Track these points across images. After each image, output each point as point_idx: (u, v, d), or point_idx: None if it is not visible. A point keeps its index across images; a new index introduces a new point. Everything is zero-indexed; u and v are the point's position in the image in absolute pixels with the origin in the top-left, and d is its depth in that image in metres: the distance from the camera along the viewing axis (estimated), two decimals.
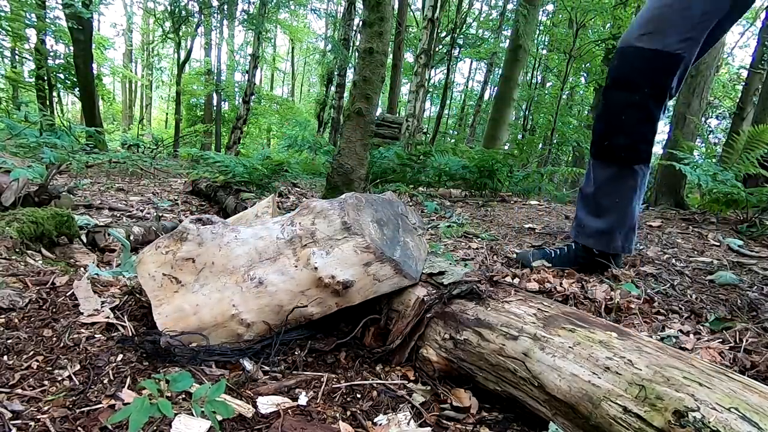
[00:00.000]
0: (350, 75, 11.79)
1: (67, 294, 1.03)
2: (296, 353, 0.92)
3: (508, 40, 11.12)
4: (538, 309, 0.83)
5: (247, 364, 0.85)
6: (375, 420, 0.73)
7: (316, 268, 0.84)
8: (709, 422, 0.52)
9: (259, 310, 0.85)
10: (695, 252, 2.02)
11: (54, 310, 0.96)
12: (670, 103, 1.46)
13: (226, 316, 0.84)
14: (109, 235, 1.83)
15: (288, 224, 0.90)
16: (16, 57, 11.71)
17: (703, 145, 5.25)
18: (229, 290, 0.85)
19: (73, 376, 0.75)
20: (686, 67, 1.33)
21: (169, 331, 0.83)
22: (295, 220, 0.90)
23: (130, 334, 0.92)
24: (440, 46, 11.57)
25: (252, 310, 0.85)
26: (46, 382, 0.73)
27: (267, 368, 0.86)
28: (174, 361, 0.82)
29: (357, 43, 10.28)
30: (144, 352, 0.82)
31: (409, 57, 14.29)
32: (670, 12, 1.25)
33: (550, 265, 1.65)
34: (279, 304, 0.86)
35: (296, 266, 0.85)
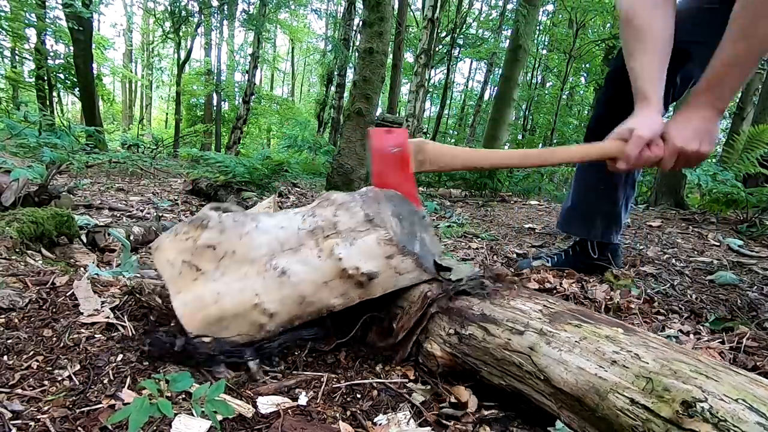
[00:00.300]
0: (350, 75, 11.79)
1: (67, 294, 1.03)
2: (296, 353, 0.92)
3: (508, 40, 11.11)
4: (544, 305, 0.83)
5: (251, 363, 0.84)
6: (375, 420, 0.73)
7: (340, 259, 0.83)
8: (717, 412, 0.52)
9: (282, 300, 0.84)
10: (695, 252, 2.02)
11: (54, 310, 0.96)
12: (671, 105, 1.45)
13: (247, 305, 0.83)
14: (109, 235, 1.83)
15: (309, 215, 0.89)
16: (16, 57, 11.72)
17: None
18: (251, 279, 0.83)
19: (73, 376, 0.75)
20: (691, 67, 1.32)
21: (192, 331, 0.81)
22: (316, 212, 0.89)
23: (131, 334, 0.92)
24: (440, 46, 11.57)
25: (274, 300, 0.84)
26: (46, 382, 0.73)
27: (267, 368, 0.86)
28: (189, 364, 0.80)
29: (357, 43, 10.27)
30: (157, 353, 0.80)
31: (409, 57, 14.30)
32: (685, 11, 1.25)
33: (549, 265, 1.65)
34: (302, 294, 0.85)
35: (319, 257, 0.85)
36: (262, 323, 0.84)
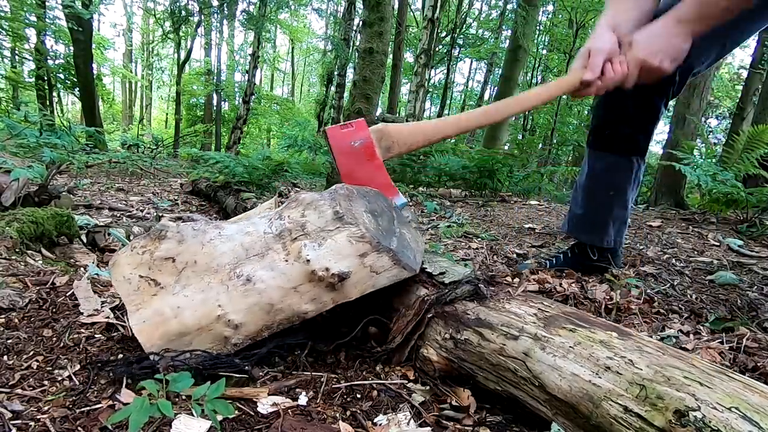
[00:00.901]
0: (350, 75, 11.79)
1: (67, 294, 1.03)
2: (296, 353, 0.92)
3: (508, 40, 11.12)
4: (539, 309, 0.83)
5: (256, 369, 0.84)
6: (375, 420, 0.73)
7: (308, 261, 0.79)
8: (710, 422, 0.52)
9: (248, 309, 0.80)
10: (695, 252, 2.02)
11: (54, 310, 0.96)
12: (671, 102, 1.45)
13: (211, 317, 0.78)
14: (109, 234, 1.83)
15: (276, 218, 0.85)
16: (16, 57, 11.71)
17: (703, 145, 5.25)
18: (213, 290, 0.79)
19: (73, 376, 0.75)
20: (690, 62, 1.32)
21: (164, 352, 0.77)
22: (284, 214, 0.85)
23: (131, 334, 0.92)
24: (440, 46, 11.57)
25: (240, 310, 0.79)
26: (46, 382, 0.73)
27: (267, 368, 0.86)
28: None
29: (357, 43, 10.26)
30: (122, 376, 0.76)
31: (409, 57, 14.29)
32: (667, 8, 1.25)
33: (547, 267, 1.64)
34: (269, 302, 0.80)
35: (287, 260, 0.80)
36: (227, 336, 0.80)
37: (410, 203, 3.74)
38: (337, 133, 1.06)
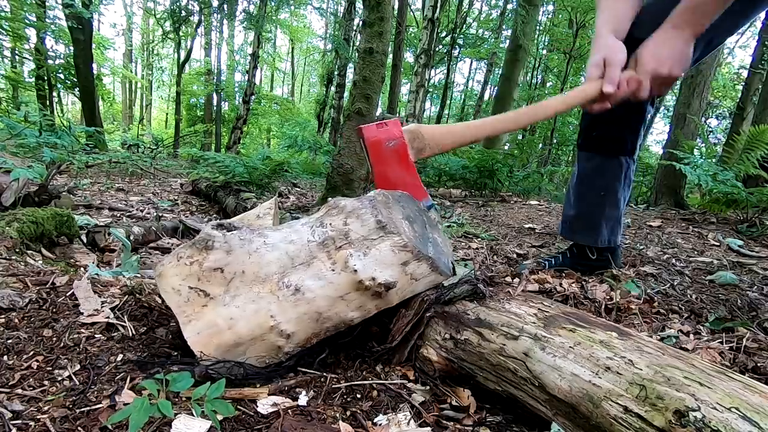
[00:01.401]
0: (350, 75, 11.79)
1: (67, 294, 1.03)
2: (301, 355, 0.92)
3: (508, 40, 11.11)
4: (539, 309, 0.83)
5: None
6: (375, 420, 0.73)
7: (355, 271, 0.80)
8: (710, 422, 0.52)
9: (298, 318, 0.81)
10: (695, 252, 2.02)
11: (54, 310, 0.96)
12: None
13: (264, 328, 0.79)
14: (109, 234, 1.83)
15: (318, 225, 0.85)
16: (16, 57, 11.72)
17: (703, 144, 5.25)
18: (264, 300, 0.79)
19: (73, 376, 0.75)
20: None
21: (204, 358, 0.79)
22: (325, 221, 0.85)
23: (131, 334, 0.92)
24: (440, 46, 11.57)
25: (291, 320, 0.80)
26: (46, 382, 0.73)
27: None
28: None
29: (357, 43, 10.27)
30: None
31: (409, 57, 14.29)
32: (659, 8, 1.26)
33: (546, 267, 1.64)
34: (318, 311, 0.81)
35: (333, 270, 0.81)
36: (280, 345, 0.81)
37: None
38: (373, 133, 1.05)
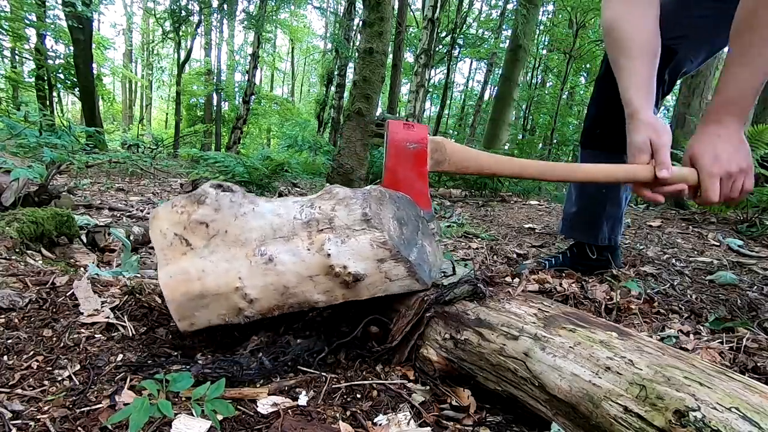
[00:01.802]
0: (350, 75, 11.79)
1: (67, 294, 1.03)
2: (298, 353, 0.92)
3: (508, 40, 11.11)
4: (539, 309, 0.83)
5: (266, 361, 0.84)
6: (375, 420, 0.73)
7: (328, 255, 0.82)
8: (710, 422, 0.52)
9: (264, 287, 0.84)
10: (695, 252, 2.02)
11: (54, 310, 0.96)
12: (669, 99, 1.46)
13: (230, 287, 0.83)
14: (109, 234, 1.83)
15: (308, 206, 0.88)
16: (16, 57, 11.72)
17: None
18: (237, 262, 0.83)
19: (73, 376, 0.75)
20: (678, 63, 1.33)
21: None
22: (315, 203, 0.88)
23: (131, 334, 0.92)
24: (440, 46, 11.57)
25: (257, 286, 0.84)
26: (46, 382, 0.73)
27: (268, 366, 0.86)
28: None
29: (357, 43, 10.26)
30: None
31: (409, 57, 14.29)
32: (666, 10, 1.25)
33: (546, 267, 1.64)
34: (285, 284, 0.84)
35: (309, 249, 0.83)
36: (241, 307, 0.85)
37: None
38: (398, 129, 1.05)
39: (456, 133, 18.64)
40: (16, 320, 0.90)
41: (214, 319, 0.85)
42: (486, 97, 16.28)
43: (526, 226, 2.76)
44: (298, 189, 5.42)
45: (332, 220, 0.85)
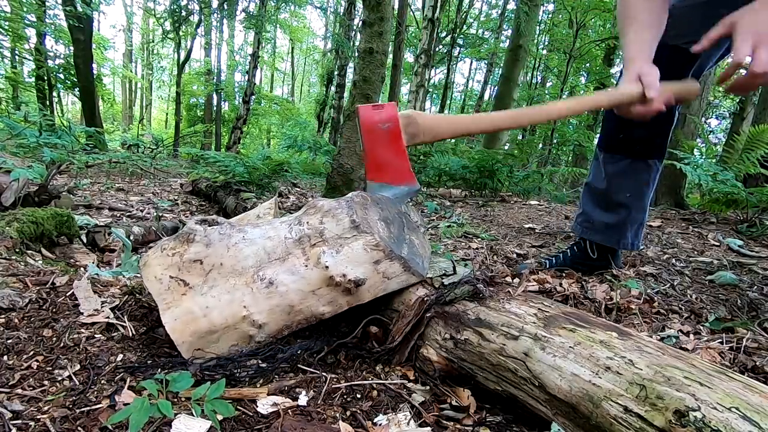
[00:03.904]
0: (350, 75, 11.79)
1: (67, 294, 1.03)
2: (297, 353, 0.92)
3: (508, 40, 11.11)
4: (539, 309, 0.83)
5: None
6: (375, 420, 0.73)
7: (327, 267, 0.84)
8: (710, 422, 0.52)
9: (270, 310, 0.85)
10: (695, 252, 2.02)
11: (54, 310, 0.96)
12: None
13: (237, 317, 0.84)
14: (109, 234, 1.83)
15: (295, 224, 0.89)
16: (16, 57, 11.71)
17: (704, 144, 5.25)
18: (239, 291, 0.84)
19: (73, 376, 0.75)
20: (701, 65, 1.32)
21: (196, 358, 0.82)
22: (303, 220, 0.89)
23: (131, 334, 0.92)
24: (440, 46, 11.57)
25: (263, 311, 0.85)
26: (46, 382, 0.73)
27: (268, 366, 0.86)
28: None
29: (357, 43, 10.26)
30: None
31: (409, 57, 14.28)
32: (690, 12, 1.25)
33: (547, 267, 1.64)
34: (290, 303, 0.86)
35: (306, 266, 0.85)
36: (251, 334, 0.86)
37: (411, 203, 3.75)
38: (368, 113, 1.06)
39: None
40: (16, 320, 0.90)
41: (225, 351, 0.86)
42: (486, 97, 16.27)
43: (526, 226, 2.76)
44: (298, 189, 5.42)
45: (323, 233, 0.87)
